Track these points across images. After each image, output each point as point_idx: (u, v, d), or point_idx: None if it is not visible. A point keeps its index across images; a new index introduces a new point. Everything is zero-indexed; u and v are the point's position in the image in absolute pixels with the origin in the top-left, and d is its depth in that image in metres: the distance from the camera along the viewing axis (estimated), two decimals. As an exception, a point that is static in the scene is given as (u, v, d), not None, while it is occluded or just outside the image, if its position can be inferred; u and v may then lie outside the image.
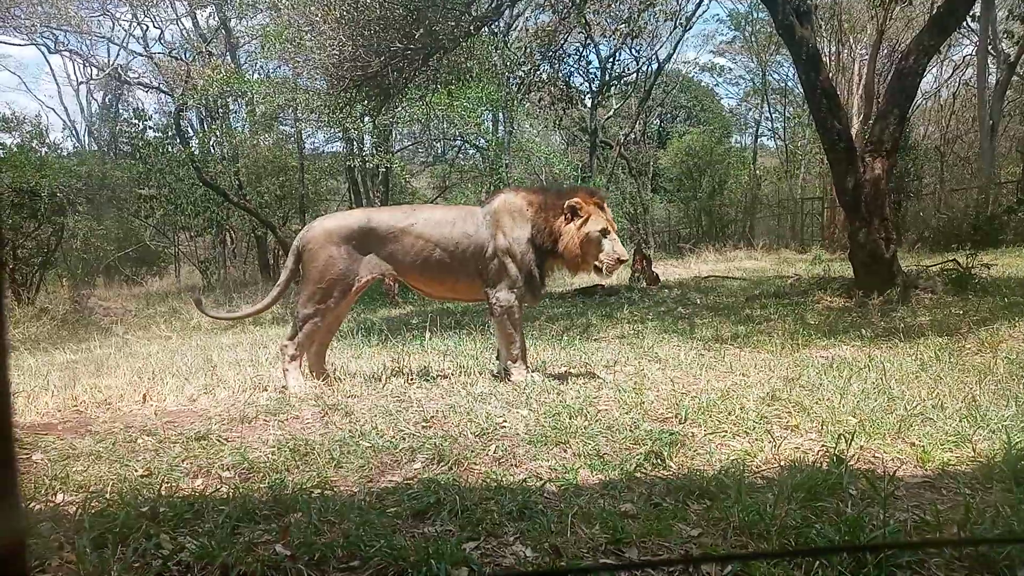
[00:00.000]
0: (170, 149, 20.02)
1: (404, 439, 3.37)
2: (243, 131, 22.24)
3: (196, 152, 19.63)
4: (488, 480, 2.82)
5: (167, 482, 2.87)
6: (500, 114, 16.86)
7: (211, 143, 21.59)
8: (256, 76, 16.39)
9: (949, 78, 27.98)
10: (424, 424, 3.64)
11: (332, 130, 17.42)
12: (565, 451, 3.18)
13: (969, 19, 18.74)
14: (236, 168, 20.45)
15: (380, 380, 4.81)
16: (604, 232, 4.43)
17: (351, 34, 9.41)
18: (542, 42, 17.31)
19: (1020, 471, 2.63)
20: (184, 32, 24.56)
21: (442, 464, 3.04)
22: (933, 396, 3.92)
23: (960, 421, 3.38)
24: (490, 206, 4.55)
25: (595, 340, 6.88)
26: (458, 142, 19.52)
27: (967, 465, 2.86)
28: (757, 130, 36.08)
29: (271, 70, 17.08)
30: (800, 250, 21.04)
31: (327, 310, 4.57)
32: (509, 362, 4.70)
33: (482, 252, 4.47)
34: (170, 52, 24.21)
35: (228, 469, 3.11)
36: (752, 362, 5.32)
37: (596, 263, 4.44)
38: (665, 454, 3.01)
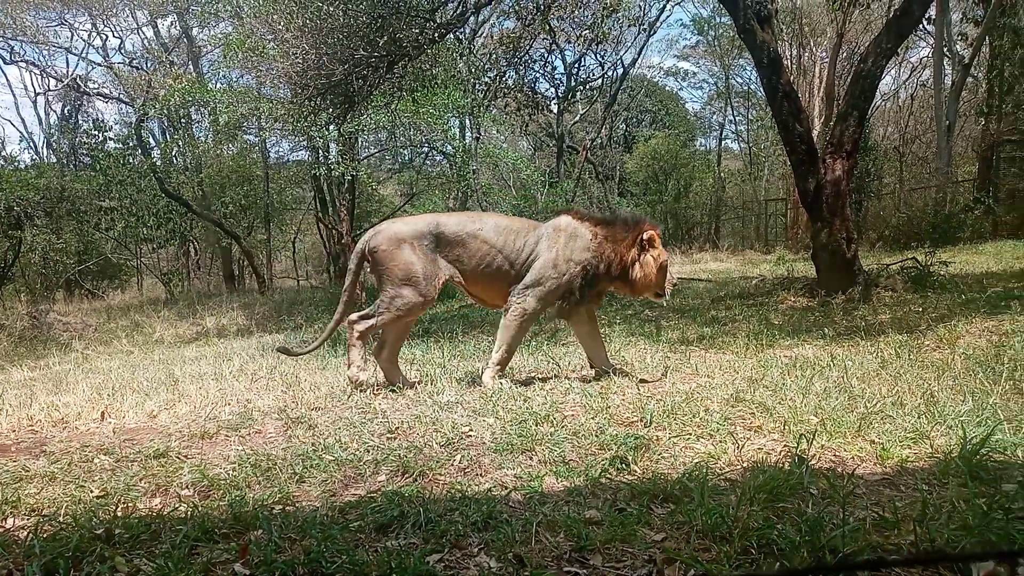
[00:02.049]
0: (131, 160, 19.70)
1: (368, 451, 3.33)
2: (206, 141, 21.96)
3: (158, 163, 19.34)
4: (453, 491, 2.80)
5: (123, 502, 2.81)
6: (467, 120, 16.85)
7: (173, 153, 21.29)
8: (219, 85, 16.16)
9: (907, 80, 28.58)
10: (389, 435, 3.61)
11: (297, 139, 17.27)
12: (531, 458, 3.17)
13: (925, 22, 19.17)
14: (199, 178, 20.19)
15: (345, 391, 4.76)
16: (666, 262, 4.76)
17: (314, 42, 9.33)
18: (507, 48, 17.34)
19: (975, 466, 2.67)
20: (145, 41, 24.19)
21: (407, 476, 3.01)
22: (893, 393, 3.97)
23: (919, 418, 3.43)
24: (555, 225, 4.65)
25: (563, 344, 6.88)
26: (425, 149, 19.47)
27: (925, 461, 2.90)
28: (721, 133, 36.51)
29: (234, 79, 16.88)
30: (764, 251, 21.30)
31: (412, 308, 4.60)
32: (490, 362, 4.73)
33: (529, 264, 4.60)
34: (130, 62, 23.82)
35: (187, 487, 3.05)
36: (717, 363, 5.36)
37: (659, 290, 4.78)
38: (630, 458, 3.01)
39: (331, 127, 12.64)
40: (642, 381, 4.64)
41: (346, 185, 15.99)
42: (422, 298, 4.59)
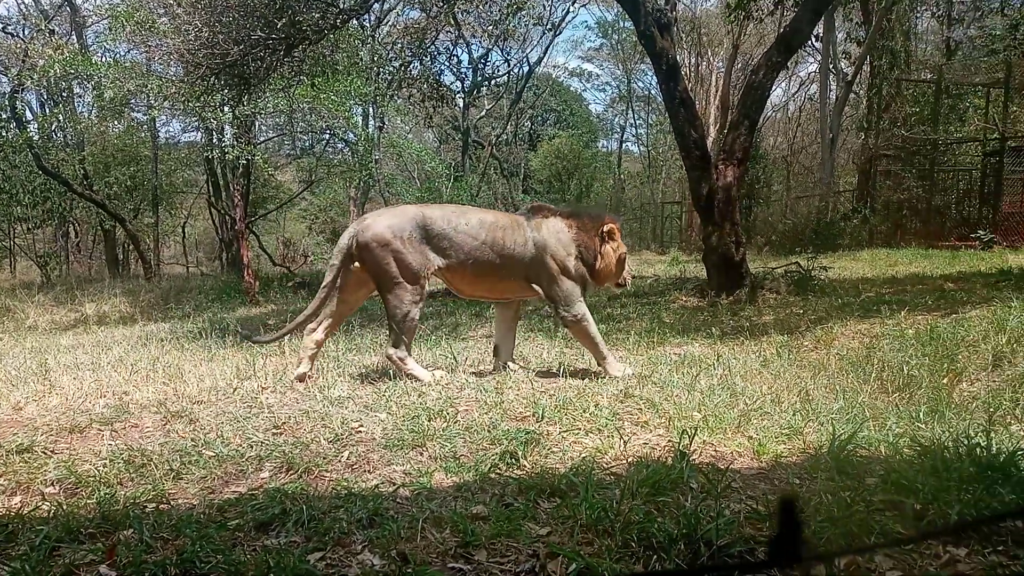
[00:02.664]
0: (4, 134, 18.29)
1: (252, 447, 3.22)
2: (90, 117, 20.67)
3: (35, 137, 18.04)
4: (339, 487, 2.74)
5: (-24, 502, 2.60)
6: (370, 109, 16.56)
7: (52, 128, 19.92)
8: (105, 59, 15.20)
9: (796, 93, 30.16)
10: (275, 431, 3.49)
11: (189, 119, 16.48)
12: (421, 454, 3.14)
13: (813, 39, 20.25)
14: (81, 156, 18.98)
15: (231, 384, 4.58)
16: (625, 254, 4.97)
17: (208, 20, 8.93)
18: (412, 39, 17.13)
19: (842, 461, 2.83)
20: (22, 6, 22.53)
21: (291, 472, 2.93)
22: (772, 391, 4.18)
23: (794, 415, 3.61)
24: (535, 223, 4.76)
25: (463, 339, 6.87)
26: (326, 135, 19.00)
27: (798, 456, 3.05)
28: (622, 136, 37.41)
29: (121, 53, 15.92)
30: (660, 252, 22.00)
31: (418, 302, 4.58)
32: (601, 362, 4.81)
33: (529, 261, 4.68)
34: (4, 28, 22.12)
35: (52, 484, 2.86)
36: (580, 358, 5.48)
37: (619, 280, 4.99)
38: (520, 453, 3.04)
39: (226, 109, 12.12)
40: (539, 375, 4.70)
41: (241, 169, 15.37)
42: (422, 291, 4.60)
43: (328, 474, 2.92)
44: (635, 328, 7.01)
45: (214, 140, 16.94)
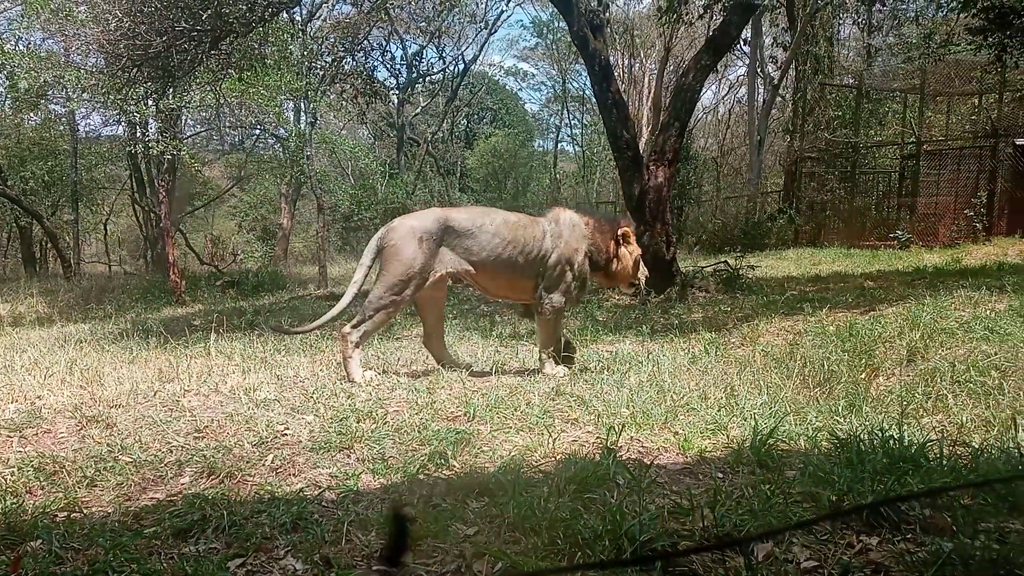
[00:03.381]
0: (-94, 124, 17.31)
1: (171, 452, 3.11)
2: (2, 108, 19.70)
3: (-59, 129, 17.12)
4: (262, 492, 2.67)
5: None
6: (302, 104, 16.23)
7: (-40, 120, 18.94)
8: (18, 47, 14.50)
9: (725, 95, 30.90)
10: (196, 435, 3.39)
11: (110, 112, 15.86)
12: (349, 456, 3.09)
13: (742, 43, 20.77)
14: (-7, 149, 18.11)
15: (152, 388, 4.43)
16: (640, 255, 5.19)
17: (129, 9, 8.61)
18: (344, 34, 16.87)
19: (763, 455, 2.91)
20: (-75, -11, 21.28)
21: (213, 477, 2.84)
22: (699, 387, 4.26)
23: (719, 410, 3.69)
24: (552, 217, 4.92)
25: (396, 339, 6.80)
26: (256, 131, 18.55)
27: (721, 451, 3.12)
28: (558, 135, 37.62)
29: (37, 42, 15.21)
30: (596, 250, 22.19)
31: (401, 301, 4.69)
32: (544, 355, 4.88)
33: (544, 258, 4.82)
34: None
35: (-48, 496, 2.70)
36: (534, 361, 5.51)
37: (634, 281, 5.19)
38: (450, 454, 3.02)
39: (149, 102, 11.71)
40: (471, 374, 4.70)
41: (166, 165, 14.88)
42: (409, 297, 4.68)
43: (251, 478, 2.85)
44: (569, 326, 7.07)
45: (137, 134, 16.35)
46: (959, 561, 2.00)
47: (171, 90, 10.88)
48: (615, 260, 5.01)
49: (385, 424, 3.51)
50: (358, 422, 3.52)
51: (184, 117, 17.94)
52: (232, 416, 3.65)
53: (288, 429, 3.45)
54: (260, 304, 11.36)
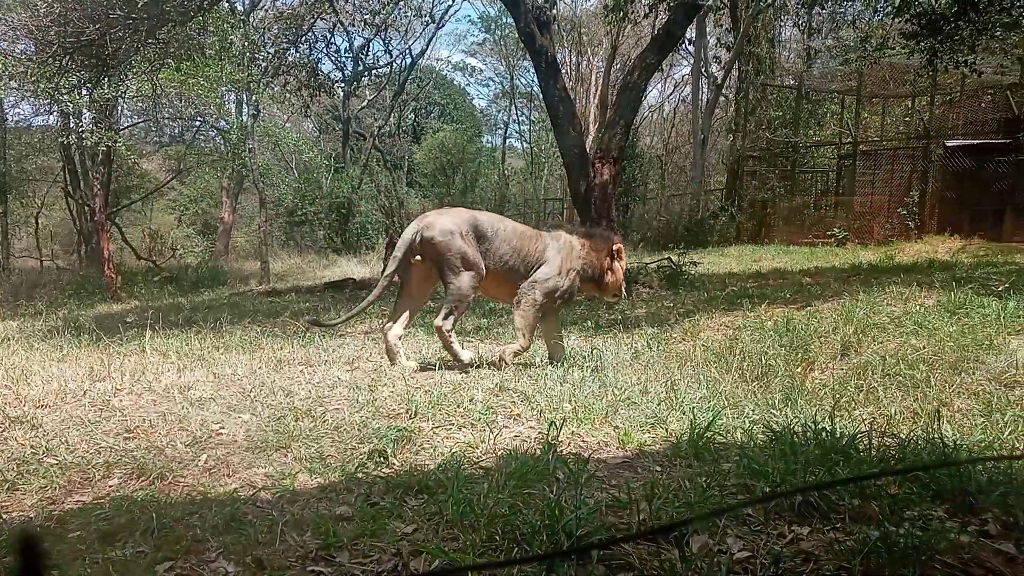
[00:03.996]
0: None
1: (100, 453, 3.01)
2: (-77, 95, 18.78)
3: None
4: (194, 493, 2.60)
5: None
6: (244, 96, 15.87)
7: None
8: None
9: (671, 94, 31.32)
10: (127, 435, 3.28)
11: (41, 101, 15.25)
12: (286, 456, 3.03)
13: (687, 43, 21.07)
14: (-86, 139, 17.25)
15: (81, 387, 4.27)
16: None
17: (60, -6, 8.29)
18: (288, 25, 16.55)
19: (700, 448, 2.96)
20: None
21: (142, 479, 2.76)
22: (641, 382, 4.31)
23: (659, 404, 3.74)
24: (556, 237, 5.24)
25: (340, 336, 6.71)
26: (197, 123, 18.06)
27: (660, 444, 3.16)
28: (506, 132, 37.56)
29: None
30: (544, 246, 22.27)
31: (473, 287, 4.94)
32: (509, 348, 5.03)
33: (538, 263, 5.11)
34: None
35: None
36: (490, 353, 5.51)
37: (620, 292, 5.54)
38: (389, 451, 2.99)
39: (83, 91, 11.30)
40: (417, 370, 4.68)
41: (101, 157, 14.38)
42: (479, 279, 4.95)
43: (183, 479, 2.77)
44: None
45: (71, 124, 15.76)
46: (884, 549, 2.05)
47: (106, 79, 10.52)
48: (608, 272, 5.34)
49: (324, 422, 3.45)
50: (296, 420, 3.46)
51: (120, 107, 17.38)
52: (165, 416, 3.54)
53: (223, 428, 3.36)
54: (199, 300, 11.09)
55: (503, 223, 5.14)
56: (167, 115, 17.42)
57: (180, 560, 2.13)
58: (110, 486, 2.72)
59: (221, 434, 3.29)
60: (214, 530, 2.29)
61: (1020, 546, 2.12)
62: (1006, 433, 3.29)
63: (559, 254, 5.13)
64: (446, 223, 4.90)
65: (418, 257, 4.95)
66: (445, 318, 4.90)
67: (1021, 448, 3.20)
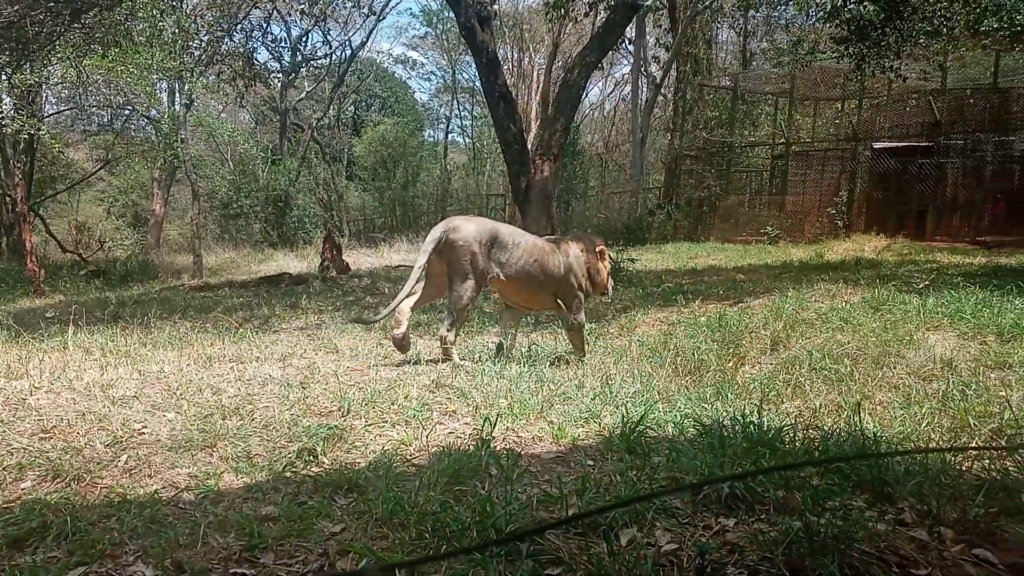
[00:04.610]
0: None
1: (12, 455, 2.87)
2: None
3: None
4: (113, 495, 2.51)
5: None
6: (176, 85, 15.38)
7: None
8: None
9: (611, 93, 31.65)
10: (42, 435, 3.14)
11: (-44, 86, 14.48)
12: (211, 455, 2.95)
13: (627, 42, 21.33)
14: None
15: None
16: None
17: (-24, -28, 7.89)
18: (223, 12, 16.10)
19: (632, 442, 2.99)
20: None
21: (57, 481, 2.64)
22: (577, 377, 4.34)
23: (594, 399, 3.77)
24: (564, 250, 5.48)
25: (274, 332, 6.58)
26: (126, 111, 17.41)
27: (593, 439, 3.18)
28: (448, 126, 37.46)
29: None
30: (485, 242, 22.24)
31: (473, 296, 5.14)
32: (578, 357, 5.24)
33: (560, 280, 5.38)
34: None
35: None
36: (427, 349, 5.47)
37: (608, 289, 5.82)
38: (319, 450, 2.93)
39: (2, 76, 10.78)
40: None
41: (23, 145, 13.75)
42: (479, 290, 5.16)
43: (101, 481, 2.66)
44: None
45: (-10, 111, 15.03)
46: (806, 538, 2.11)
47: (27, 64, 10.05)
48: (596, 273, 5.64)
49: (253, 420, 3.37)
50: (224, 419, 3.37)
51: (44, 94, 16.66)
52: (84, 415, 3.40)
53: (146, 427, 3.25)
54: (128, 295, 10.72)
55: (524, 237, 5.43)
56: (94, 103, 16.76)
57: (95, 565, 2.05)
58: (22, 489, 2.60)
59: (143, 433, 3.18)
60: (133, 533, 2.22)
61: (933, 533, 2.20)
62: (923, 425, 3.42)
63: (572, 269, 5.47)
64: (470, 229, 5.14)
65: (439, 253, 5.18)
66: (448, 329, 5.11)
67: (937, 440, 3.33)
